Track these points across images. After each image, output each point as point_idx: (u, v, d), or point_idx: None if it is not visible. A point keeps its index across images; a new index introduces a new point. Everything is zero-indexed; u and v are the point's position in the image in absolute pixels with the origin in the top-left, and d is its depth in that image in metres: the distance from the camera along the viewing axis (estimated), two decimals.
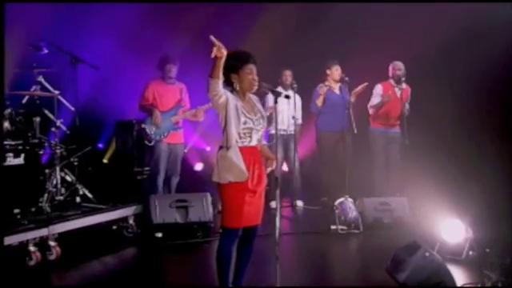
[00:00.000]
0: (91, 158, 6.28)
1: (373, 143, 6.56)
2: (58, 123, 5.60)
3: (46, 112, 5.61)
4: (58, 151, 5.43)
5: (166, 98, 6.00)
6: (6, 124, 4.85)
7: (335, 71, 6.69)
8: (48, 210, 5.09)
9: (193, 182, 6.53)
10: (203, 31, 6.39)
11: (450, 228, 4.65)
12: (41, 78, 5.50)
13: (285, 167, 7.10)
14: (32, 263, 4.48)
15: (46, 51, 5.47)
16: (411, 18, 6.56)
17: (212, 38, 3.14)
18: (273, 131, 6.67)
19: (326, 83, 6.75)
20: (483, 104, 6.40)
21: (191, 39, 6.41)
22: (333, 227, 5.66)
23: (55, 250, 4.64)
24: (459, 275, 4.10)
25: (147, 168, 6.42)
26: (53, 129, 5.58)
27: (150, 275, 4.41)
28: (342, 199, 5.81)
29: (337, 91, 6.78)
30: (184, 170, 6.34)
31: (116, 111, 6.88)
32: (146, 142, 5.95)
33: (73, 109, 5.73)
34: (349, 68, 6.58)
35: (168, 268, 4.72)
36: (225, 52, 3.18)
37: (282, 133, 6.80)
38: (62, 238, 4.75)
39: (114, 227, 5.45)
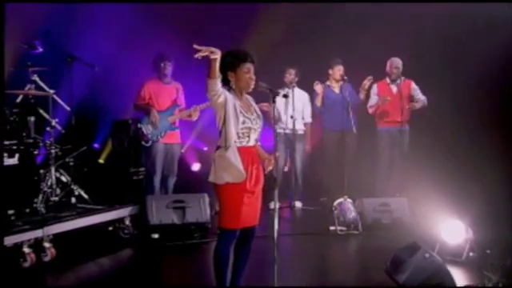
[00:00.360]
0: (87, 158, 6.24)
1: (377, 142, 6.58)
2: (53, 123, 5.55)
3: (41, 111, 5.57)
4: (53, 151, 5.39)
5: (162, 97, 5.98)
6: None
7: (337, 71, 6.65)
8: (43, 210, 5.07)
9: (190, 183, 6.49)
10: (201, 30, 6.44)
11: (450, 229, 4.63)
12: (35, 77, 5.45)
13: (285, 167, 7.06)
14: (26, 265, 4.44)
15: (40, 50, 5.45)
16: (411, 17, 6.56)
17: (196, 46, 3.11)
18: (279, 130, 6.69)
19: (327, 82, 6.73)
20: (483, 104, 6.39)
21: (188, 38, 6.36)
22: (332, 228, 5.63)
23: (50, 252, 4.59)
24: (459, 276, 4.08)
25: (143, 168, 6.40)
26: (48, 128, 5.53)
27: (146, 277, 4.39)
28: (340, 200, 5.78)
29: (336, 90, 6.75)
30: (181, 171, 6.32)
31: (112, 111, 6.85)
32: (143, 142, 5.93)
33: (68, 108, 5.70)
34: (352, 66, 6.57)
35: (165, 270, 4.70)
36: (218, 52, 3.15)
37: (288, 132, 6.76)
38: (57, 239, 4.71)
39: (110, 228, 5.41)
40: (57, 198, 5.30)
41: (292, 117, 6.66)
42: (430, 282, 3.67)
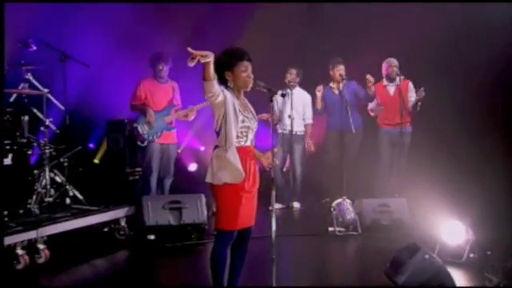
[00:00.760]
0: (82, 159, 6.21)
1: (379, 143, 6.60)
2: (47, 122, 5.51)
3: (35, 111, 5.54)
4: (47, 151, 5.36)
5: (158, 96, 5.93)
6: None
7: (337, 71, 6.62)
8: (37, 211, 5.04)
9: (186, 183, 6.48)
10: (198, 29, 6.40)
11: (450, 230, 4.60)
12: (29, 76, 5.43)
13: (284, 168, 7.02)
14: (20, 267, 4.39)
15: (34, 48, 5.42)
16: (411, 17, 6.58)
17: (189, 49, 3.06)
18: (279, 130, 6.67)
19: (331, 84, 6.73)
20: (483, 104, 6.40)
21: (185, 37, 6.34)
22: (330, 229, 5.60)
23: (44, 253, 4.55)
24: (460, 278, 4.07)
25: (139, 169, 6.37)
26: (42, 128, 5.50)
27: (142, 278, 4.36)
28: (339, 200, 5.74)
29: (336, 91, 6.71)
30: (177, 171, 6.29)
31: (107, 110, 6.81)
32: (139, 142, 5.90)
33: (62, 107, 5.68)
34: (354, 66, 6.56)
35: (161, 271, 4.67)
36: (211, 55, 3.10)
37: (286, 132, 6.72)
38: (51, 240, 4.67)
39: (106, 229, 5.36)
40: (51, 199, 5.27)
41: (290, 116, 6.61)
42: (429, 284, 3.64)
